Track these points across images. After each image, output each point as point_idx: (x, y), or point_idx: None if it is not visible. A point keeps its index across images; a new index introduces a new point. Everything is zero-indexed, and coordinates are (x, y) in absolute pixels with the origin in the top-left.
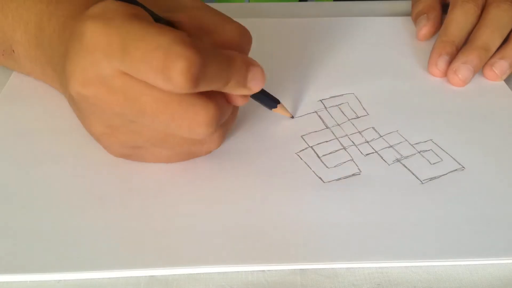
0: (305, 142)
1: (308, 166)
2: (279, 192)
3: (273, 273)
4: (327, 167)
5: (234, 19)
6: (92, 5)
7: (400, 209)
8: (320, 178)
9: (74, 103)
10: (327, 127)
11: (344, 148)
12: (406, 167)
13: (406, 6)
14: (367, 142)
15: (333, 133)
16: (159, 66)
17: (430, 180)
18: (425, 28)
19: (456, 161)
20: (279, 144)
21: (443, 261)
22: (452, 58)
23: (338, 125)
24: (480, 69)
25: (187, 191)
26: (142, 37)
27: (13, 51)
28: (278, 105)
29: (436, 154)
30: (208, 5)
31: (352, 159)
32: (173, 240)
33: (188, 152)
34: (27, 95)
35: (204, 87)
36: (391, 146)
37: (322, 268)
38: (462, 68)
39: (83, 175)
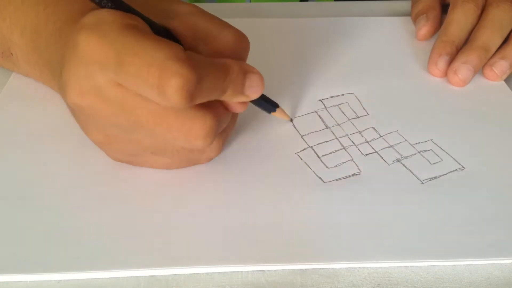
0: (305, 142)
1: (308, 166)
2: (279, 192)
3: (273, 273)
4: (327, 167)
5: (235, 19)
6: (88, 11)
7: (400, 209)
8: (320, 178)
9: (72, 111)
10: (327, 127)
11: (344, 148)
12: (406, 167)
13: (406, 6)
14: (367, 142)
15: (333, 133)
16: (154, 83)
17: (430, 180)
18: (425, 28)
19: (456, 161)
20: (279, 144)
21: (443, 261)
22: (452, 58)
23: (338, 125)
24: (480, 69)
25: (187, 191)
26: (137, 52)
27: (12, 53)
28: (277, 109)
29: (436, 154)
30: (204, 11)
31: (352, 159)
32: (173, 240)
33: (187, 159)
34: (27, 95)
35: (200, 100)
36: (391, 146)
37: (322, 268)
38: (462, 68)
39: (83, 175)
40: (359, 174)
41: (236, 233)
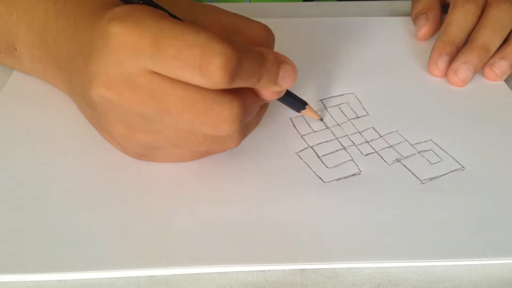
0: (305, 142)
1: (308, 166)
2: (279, 192)
3: (273, 273)
4: (327, 167)
5: None
6: (110, 6)
7: (400, 209)
8: (320, 178)
9: (93, 105)
10: (327, 127)
11: (344, 148)
12: (406, 167)
13: (406, 6)
14: (367, 142)
15: (333, 133)
16: (196, 63)
17: (430, 180)
18: (424, 28)
19: (456, 161)
20: (279, 144)
21: (443, 261)
22: (452, 58)
23: (338, 125)
24: (480, 69)
25: (187, 191)
26: (176, 34)
27: (16, 49)
28: (307, 107)
29: (436, 154)
30: (225, 9)
31: (352, 159)
32: (173, 240)
33: (207, 149)
34: (27, 95)
35: (238, 83)
36: (391, 146)
37: (322, 268)
38: (462, 68)
39: (83, 175)
40: (359, 174)
41: (236, 233)
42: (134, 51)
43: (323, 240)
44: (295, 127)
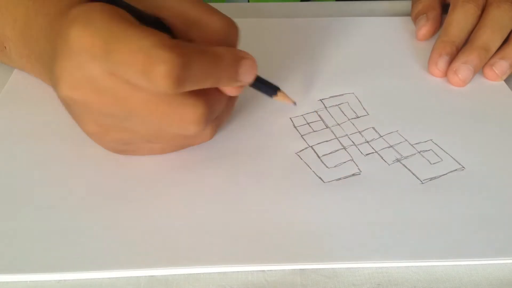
0: (305, 142)
1: (308, 166)
2: (279, 192)
3: (273, 273)
4: (327, 167)
5: (234, 19)
6: (76, 4)
7: (400, 209)
8: (320, 178)
9: (65, 104)
10: (327, 127)
11: (344, 148)
12: (406, 167)
13: (406, 6)
14: (367, 142)
15: (333, 133)
16: (141, 69)
17: (430, 180)
18: (424, 28)
19: (456, 161)
20: (279, 144)
21: (443, 261)
22: (452, 58)
23: (338, 125)
24: (480, 69)
25: (187, 191)
26: (123, 39)
27: (5, 47)
28: (279, 92)
29: (436, 154)
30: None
31: (352, 159)
32: (173, 240)
33: (181, 144)
34: (27, 95)
35: (191, 86)
36: (391, 146)
37: (322, 268)
38: (462, 68)
39: (83, 175)
40: (359, 174)
41: (236, 233)
42: (91, 55)
43: (323, 240)
44: (295, 127)
